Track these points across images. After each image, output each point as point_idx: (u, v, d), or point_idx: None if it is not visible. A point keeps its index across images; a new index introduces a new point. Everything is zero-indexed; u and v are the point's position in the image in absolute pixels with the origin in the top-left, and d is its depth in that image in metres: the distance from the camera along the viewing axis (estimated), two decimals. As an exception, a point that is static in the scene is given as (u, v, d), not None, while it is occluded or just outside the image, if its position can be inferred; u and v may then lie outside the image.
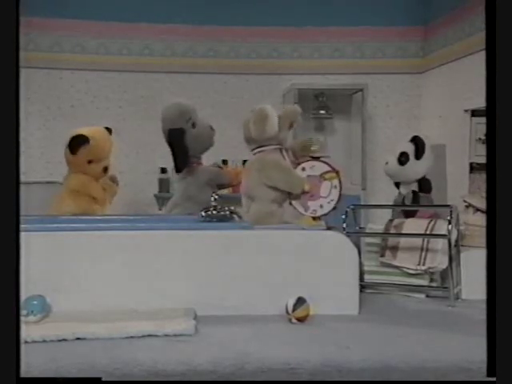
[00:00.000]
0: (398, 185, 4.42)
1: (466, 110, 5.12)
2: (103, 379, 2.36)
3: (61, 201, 4.15)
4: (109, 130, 4.41)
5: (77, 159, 4.17)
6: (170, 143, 4.28)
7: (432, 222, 3.89)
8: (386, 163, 4.38)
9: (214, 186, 4.32)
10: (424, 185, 4.29)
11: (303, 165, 3.62)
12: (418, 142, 4.25)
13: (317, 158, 3.63)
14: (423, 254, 3.88)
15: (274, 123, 3.60)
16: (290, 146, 3.80)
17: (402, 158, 4.26)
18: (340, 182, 3.54)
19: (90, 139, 4.15)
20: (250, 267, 3.34)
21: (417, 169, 4.25)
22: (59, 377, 2.34)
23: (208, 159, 4.60)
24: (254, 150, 3.71)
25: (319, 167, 3.59)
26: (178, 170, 4.30)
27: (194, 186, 4.28)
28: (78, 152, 4.14)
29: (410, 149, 4.26)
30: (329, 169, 3.57)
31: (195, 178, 4.33)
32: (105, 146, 4.28)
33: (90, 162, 4.19)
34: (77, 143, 4.14)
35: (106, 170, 4.28)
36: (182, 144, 4.24)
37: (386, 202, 5.01)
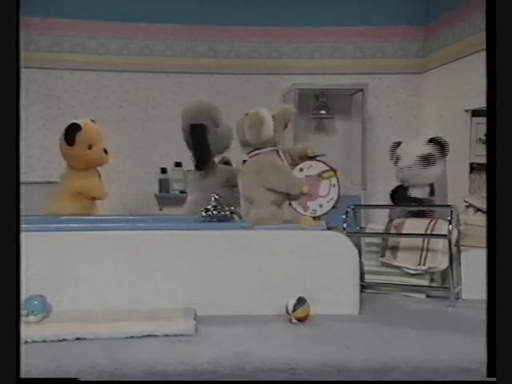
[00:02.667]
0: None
1: (466, 110, 5.12)
2: (103, 379, 2.37)
3: (60, 201, 4.13)
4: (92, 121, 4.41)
5: (76, 149, 4.16)
6: (192, 139, 4.10)
7: (432, 222, 3.89)
8: (401, 167, 4.22)
9: (231, 186, 4.13)
10: (432, 188, 4.26)
11: (301, 165, 3.62)
12: (438, 142, 4.16)
13: (313, 158, 3.63)
14: (423, 254, 3.88)
15: (269, 127, 3.59)
16: (288, 150, 3.78)
17: (426, 161, 4.13)
18: (338, 181, 3.54)
19: (80, 126, 4.17)
20: (250, 267, 3.34)
21: (437, 170, 4.20)
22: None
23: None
24: (249, 153, 3.71)
25: (317, 167, 3.59)
26: (199, 167, 4.13)
27: (216, 185, 4.09)
28: (76, 141, 4.14)
29: (433, 150, 4.15)
30: (326, 168, 3.57)
31: (216, 177, 4.19)
32: (96, 129, 4.29)
33: (89, 147, 4.19)
34: (72, 132, 4.14)
35: (106, 152, 4.27)
36: (204, 140, 4.07)
37: (386, 202, 5.01)
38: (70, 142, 4.15)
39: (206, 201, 3.75)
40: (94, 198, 4.25)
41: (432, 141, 4.20)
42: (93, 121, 4.37)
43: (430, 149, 4.17)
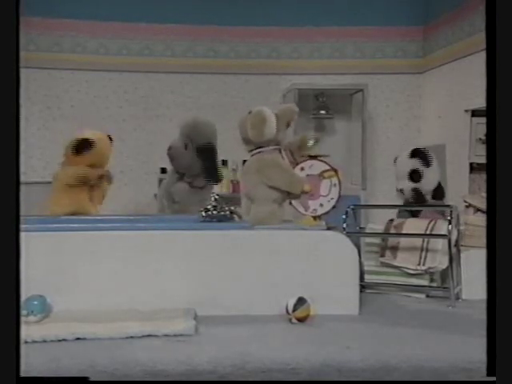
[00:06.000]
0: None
1: (466, 110, 5.12)
2: (103, 379, 2.37)
3: (56, 199, 4.12)
4: (110, 138, 4.38)
5: (78, 160, 4.15)
6: (209, 156, 4.37)
7: (432, 222, 3.89)
8: (401, 190, 4.22)
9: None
10: (437, 192, 4.24)
11: (302, 164, 3.62)
12: (420, 155, 4.17)
13: (315, 157, 3.63)
14: (423, 254, 3.88)
15: (271, 126, 3.59)
16: (287, 146, 3.79)
17: (415, 176, 4.15)
18: (339, 180, 3.54)
19: (95, 145, 4.15)
20: (250, 267, 3.34)
21: (431, 178, 4.18)
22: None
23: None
24: (251, 151, 3.71)
25: (318, 166, 3.59)
26: (217, 181, 4.46)
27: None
28: (82, 154, 4.14)
29: (416, 164, 4.17)
30: (328, 167, 3.57)
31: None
32: (107, 153, 4.29)
33: (89, 166, 4.16)
34: (83, 146, 4.13)
35: (100, 177, 4.24)
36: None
37: (386, 202, 5.01)
38: (77, 152, 4.13)
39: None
40: (99, 176, 4.20)
41: (414, 154, 4.21)
42: (109, 137, 4.36)
43: (414, 163, 4.18)
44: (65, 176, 4.15)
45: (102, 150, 4.23)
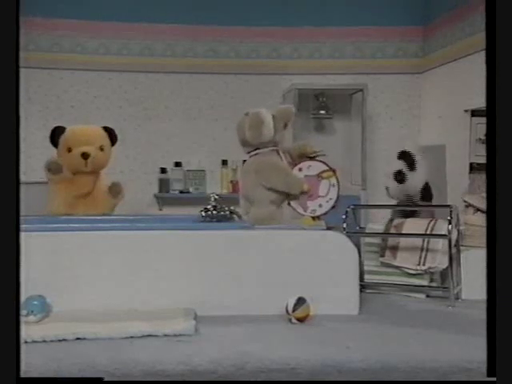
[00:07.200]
0: None
1: (466, 110, 5.11)
2: (103, 379, 2.37)
3: (59, 206, 4.22)
4: (108, 128, 4.47)
5: (58, 151, 4.34)
6: None
7: (432, 222, 3.89)
8: (387, 188, 4.28)
9: None
10: (425, 193, 4.26)
11: (300, 165, 3.62)
12: (405, 157, 4.20)
13: (313, 158, 3.63)
14: (423, 254, 3.88)
15: (269, 128, 3.59)
16: (287, 149, 3.78)
17: (399, 177, 4.18)
18: (338, 181, 3.55)
19: (65, 129, 4.32)
20: (250, 267, 3.34)
21: (416, 180, 4.19)
22: (60, 377, 2.34)
23: (209, 160, 4.60)
24: (249, 152, 3.71)
25: (316, 167, 3.59)
26: None
27: None
28: (59, 143, 4.32)
29: (401, 165, 4.19)
30: (326, 168, 3.58)
31: None
32: (82, 133, 4.36)
33: (69, 150, 4.28)
34: (54, 134, 4.34)
35: (84, 156, 4.23)
36: None
37: (386, 202, 5.01)
38: (54, 145, 4.35)
39: None
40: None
41: (400, 156, 4.22)
42: (105, 127, 4.46)
43: (399, 164, 4.20)
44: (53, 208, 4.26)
45: (74, 132, 4.33)
